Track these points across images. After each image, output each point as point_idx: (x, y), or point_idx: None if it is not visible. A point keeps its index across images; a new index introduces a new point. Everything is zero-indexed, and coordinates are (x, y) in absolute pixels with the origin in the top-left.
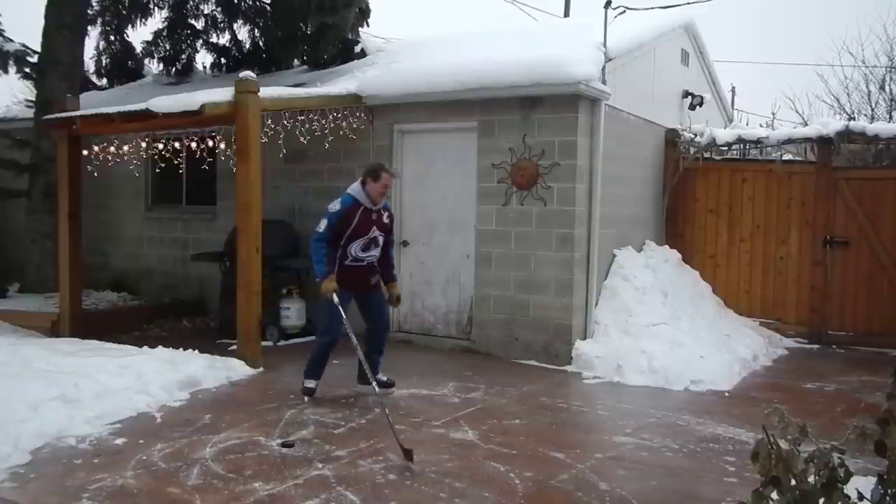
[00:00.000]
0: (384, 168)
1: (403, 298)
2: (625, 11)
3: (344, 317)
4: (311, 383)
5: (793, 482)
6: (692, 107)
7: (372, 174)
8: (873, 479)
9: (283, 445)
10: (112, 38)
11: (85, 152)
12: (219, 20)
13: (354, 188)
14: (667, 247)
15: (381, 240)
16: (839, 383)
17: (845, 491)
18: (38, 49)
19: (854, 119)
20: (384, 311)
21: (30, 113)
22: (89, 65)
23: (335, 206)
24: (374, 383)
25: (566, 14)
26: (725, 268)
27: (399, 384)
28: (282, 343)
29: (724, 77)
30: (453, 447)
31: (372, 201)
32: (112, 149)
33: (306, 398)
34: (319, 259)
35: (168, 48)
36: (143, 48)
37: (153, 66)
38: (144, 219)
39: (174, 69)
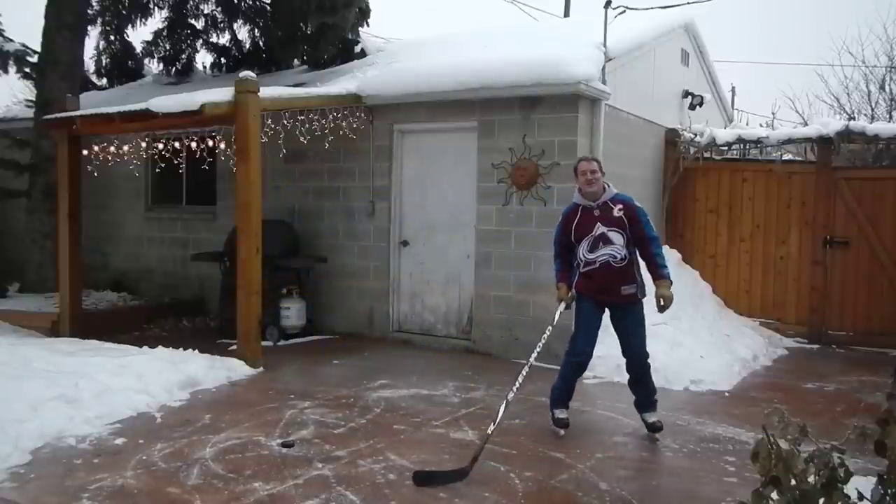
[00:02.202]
0: (580, 160)
1: (403, 298)
2: (625, 11)
3: (587, 332)
4: (560, 413)
5: (793, 482)
6: (692, 107)
7: (574, 172)
8: (873, 479)
9: (283, 445)
10: (112, 38)
11: (85, 152)
12: (219, 20)
13: (575, 193)
14: (667, 247)
15: (615, 236)
16: (839, 383)
17: (845, 491)
18: (38, 49)
19: (854, 119)
20: (633, 333)
21: (30, 113)
22: (89, 65)
23: (559, 218)
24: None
25: (566, 14)
26: (725, 268)
27: (399, 384)
28: (282, 343)
29: (724, 77)
30: (453, 447)
31: (587, 197)
32: (112, 149)
33: (562, 431)
34: (555, 274)
35: (168, 48)
36: (143, 48)
37: (153, 66)
38: (144, 219)
39: (174, 69)
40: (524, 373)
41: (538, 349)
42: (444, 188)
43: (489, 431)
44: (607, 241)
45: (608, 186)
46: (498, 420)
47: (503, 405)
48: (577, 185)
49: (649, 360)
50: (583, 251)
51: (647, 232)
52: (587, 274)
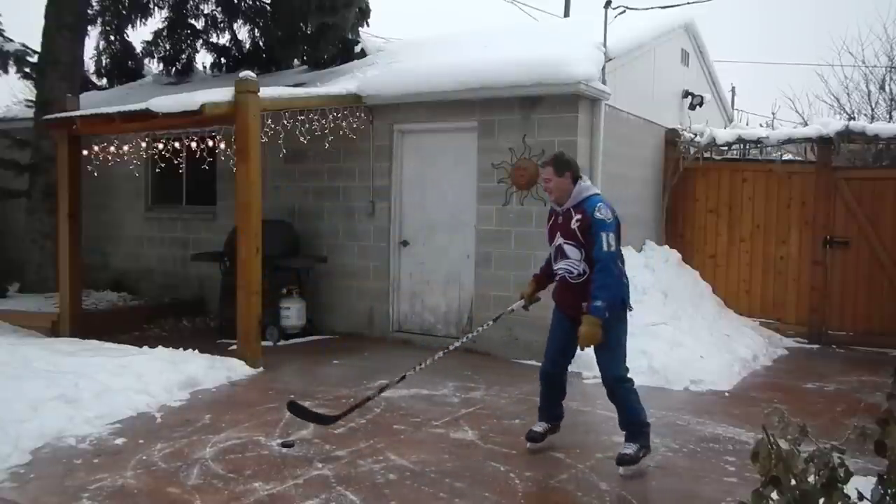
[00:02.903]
0: (538, 163)
1: (403, 298)
2: (625, 11)
3: (552, 342)
4: (536, 425)
5: (793, 482)
6: (692, 107)
7: None
8: (873, 479)
9: (283, 445)
10: (112, 38)
11: (85, 152)
12: (219, 20)
13: None
14: (667, 247)
15: (570, 250)
16: (839, 383)
17: (845, 491)
18: (38, 49)
19: (854, 119)
20: (598, 352)
21: (30, 113)
22: (89, 65)
23: None
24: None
25: (566, 14)
26: (725, 268)
27: (399, 384)
28: (282, 343)
29: (724, 77)
30: (453, 447)
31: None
32: (112, 149)
33: (528, 444)
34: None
35: (168, 48)
36: (143, 48)
37: (153, 66)
38: (144, 219)
39: (174, 69)
40: (439, 355)
41: (465, 338)
42: (444, 188)
43: (370, 395)
44: (563, 255)
45: (580, 185)
46: (387, 387)
47: (400, 378)
48: None
49: (626, 385)
50: (549, 258)
51: (595, 251)
52: (555, 285)
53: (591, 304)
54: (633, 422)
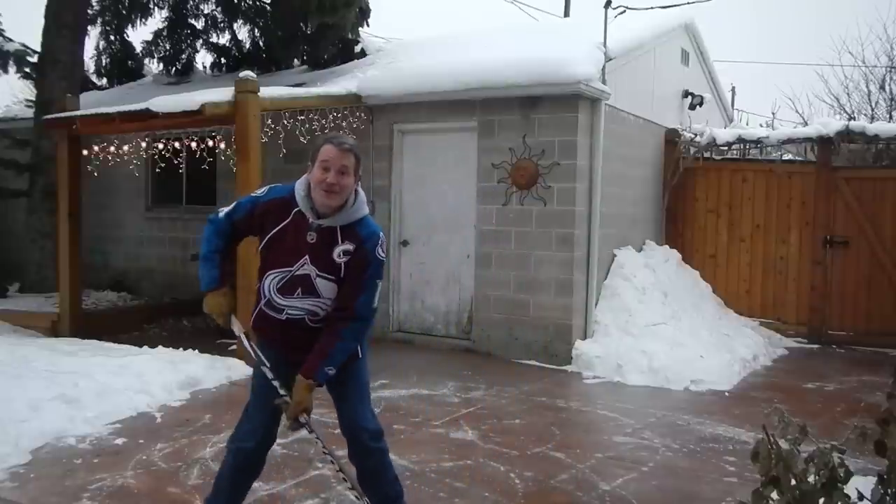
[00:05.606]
0: (326, 140)
1: (403, 298)
2: (625, 11)
3: (265, 402)
4: None
5: (793, 482)
6: (692, 107)
7: (312, 155)
8: (873, 479)
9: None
10: (112, 37)
11: (85, 152)
12: (219, 20)
13: (303, 178)
14: (667, 246)
15: (325, 286)
16: (839, 383)
17: (845, 491)
18: (38, 49)
19: (854, 119)
20: (347, 397)
21: (30, 113)
22: (89, 65)
23: (258, 190)
24: None
25: (566, 14)
26: (725, 268)
27: (399, 384)
28: None
29: (724, 77)
30: (453, 447)
31: (316, 206)
32: (112, 149)
33: None
34: (205, 253)
35: (168, 48)
36: (143, 48)
37: (153, 66)
38: (145, 218)
39: (174, 69)
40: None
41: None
42: (444, 188)
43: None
44: (309, 291)
45: (358, 198)
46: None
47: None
48: (310, 175)
49: (383, 444)
50: (271, 284)
51: (359, 303)
52: (265, 317)
53: (318, 366)
54: (392, 496)
